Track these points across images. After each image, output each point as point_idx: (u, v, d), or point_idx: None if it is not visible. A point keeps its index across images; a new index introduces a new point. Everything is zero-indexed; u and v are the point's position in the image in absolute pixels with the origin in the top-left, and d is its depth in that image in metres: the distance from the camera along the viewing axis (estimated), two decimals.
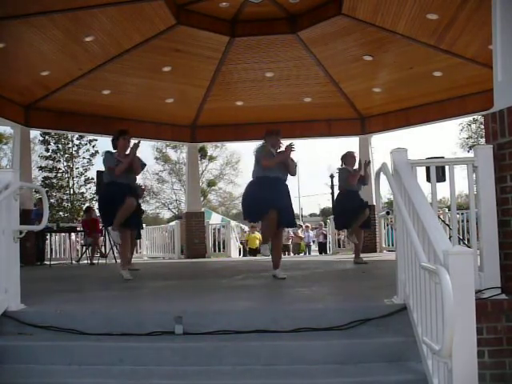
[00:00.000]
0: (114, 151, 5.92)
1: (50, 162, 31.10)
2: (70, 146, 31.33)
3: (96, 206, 22.65)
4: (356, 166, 7.62)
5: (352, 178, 7.40)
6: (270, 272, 5.79)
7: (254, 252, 16.34)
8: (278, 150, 5.71)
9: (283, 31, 9.22)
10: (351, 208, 7.29)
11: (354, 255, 7.86)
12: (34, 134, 27.97)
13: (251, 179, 5.74)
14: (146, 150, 41.38)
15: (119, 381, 2.91)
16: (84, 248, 11.50)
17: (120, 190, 5.65)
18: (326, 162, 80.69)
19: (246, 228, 19.09)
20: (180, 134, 12.40)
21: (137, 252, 13.11)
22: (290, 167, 5.65)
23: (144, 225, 12.29)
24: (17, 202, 3.78)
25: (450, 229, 5.07)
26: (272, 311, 3.49)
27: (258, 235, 17.18)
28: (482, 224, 3.36)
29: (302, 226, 19.45)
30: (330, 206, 39.15)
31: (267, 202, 5.36)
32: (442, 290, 2.14)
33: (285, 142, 5.80)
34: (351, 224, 7.52)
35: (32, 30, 7.69)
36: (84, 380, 2.94)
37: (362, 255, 7.72)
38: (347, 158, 7.65)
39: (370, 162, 7.87)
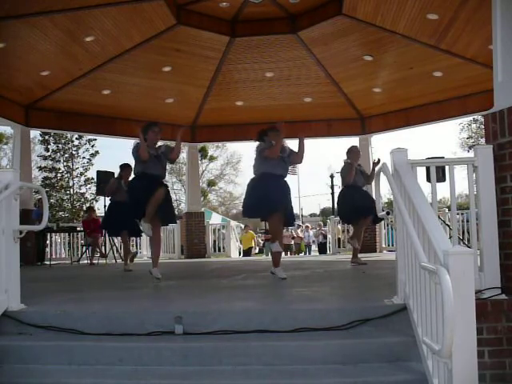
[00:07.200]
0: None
1: (50, 162, 31.09)
2: (69, 146, 31.31)
3: (97, 206, 22.67)
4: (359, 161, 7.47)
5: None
6: (269, 271, 5.77)
7: (248, 253, 16.24)
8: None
9: (283, 31, 9.22)
10: (351, 204, 7.14)
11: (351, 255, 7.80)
12: (34, 133, 27.94)
13: (254, 176, 5.66)
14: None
15: (119, 381, 2.90)
16: (84, 248, 11.50)
17: (150, 183, 5.49)
18: (326, 161, 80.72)
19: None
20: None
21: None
22: (298, 150, 5.69)
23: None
24: (17, 202, 3.78)
25: (450, 229, 5.07)
26: (272, 311, 3.49)
27: (251, 234, 17.17)
28: (482, 224, 3.36)
29: (301, 226, 19.45)
30: (330, 206, 39.16)
31: (274, 201, 5.35)
32: (442, 290, 2.14)
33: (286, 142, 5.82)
34: (351, 221, 7.53)
35: (32, 30, 7.69)
36: (84, 380, 2.94)
37: (361, 255, 7.70)
38: (352, 152, 7.46)
39: (379, 161, 7.33)
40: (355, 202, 7.12)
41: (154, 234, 5.59)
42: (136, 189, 5.63)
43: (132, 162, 6.02)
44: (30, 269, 8.61)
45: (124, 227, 7.83)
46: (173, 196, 36.99)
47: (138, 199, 5.52)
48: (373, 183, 7.85)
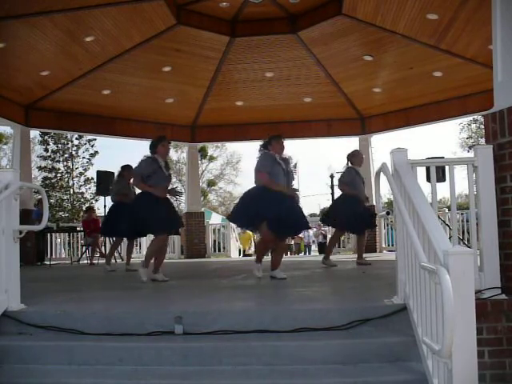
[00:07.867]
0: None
1: (50, 162, 31.10)
2: (69, 146, 31.32)
3: (97, 206, 22.63)
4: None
5: (344, 186, 7.15)
6: (268, 273, 5.76)
7: (246, 253, 16.22)
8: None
9: (283, 31, 9.23)
10: (351, 213, 6.84)
11: (356, 255, 7.58)
12: (34, 133, 27.97)
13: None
14: (146, 150, 41.33)
15: (119, 381, 2.90)
16: (84, 248, 11.50)
17: (157, 201, 5.47)
18: (326, 161, 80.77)
19: None
20: (180, 134, 12.40)
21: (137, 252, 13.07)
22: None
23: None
24: (17, 202, 3.78)
25: (450, 229, 5.07)
26: (272, 311, 3.48)
27: (249, 235, 17.16)
28: (482, 224, 3.36)
29: None
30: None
31: (262, 212, 5.22)
32: (442, 290, 2.14)
33: (285, 142, 5.75)
34: (349, 229, 7.36)
35: (32, 30, 7.70)
36: (84, 380, 2.94)
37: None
38: (355, 156, 7.24)
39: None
40: (355, 213, 6.85)
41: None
42: (143, 206, 5.57)
43: (132, 162, 6.06)
44: (30, 269, 8.61)
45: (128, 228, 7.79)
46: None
47: (143, 216, 5.49)
48: (373, 183, 7.82)
